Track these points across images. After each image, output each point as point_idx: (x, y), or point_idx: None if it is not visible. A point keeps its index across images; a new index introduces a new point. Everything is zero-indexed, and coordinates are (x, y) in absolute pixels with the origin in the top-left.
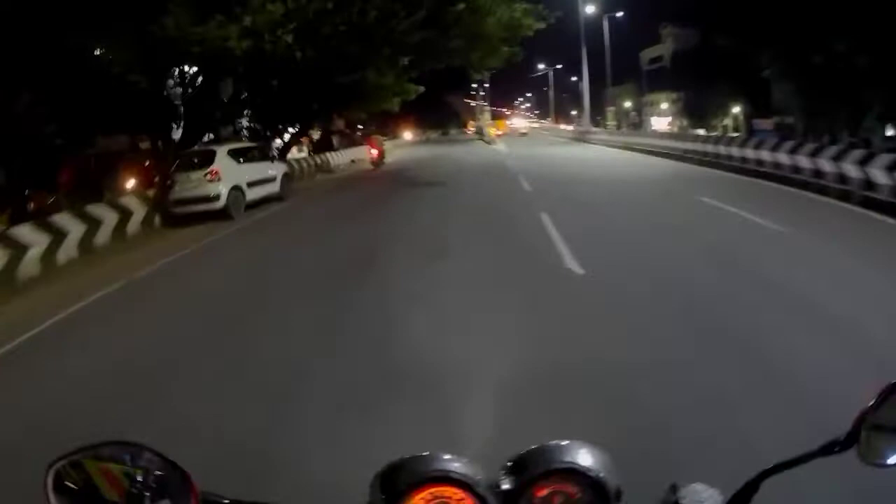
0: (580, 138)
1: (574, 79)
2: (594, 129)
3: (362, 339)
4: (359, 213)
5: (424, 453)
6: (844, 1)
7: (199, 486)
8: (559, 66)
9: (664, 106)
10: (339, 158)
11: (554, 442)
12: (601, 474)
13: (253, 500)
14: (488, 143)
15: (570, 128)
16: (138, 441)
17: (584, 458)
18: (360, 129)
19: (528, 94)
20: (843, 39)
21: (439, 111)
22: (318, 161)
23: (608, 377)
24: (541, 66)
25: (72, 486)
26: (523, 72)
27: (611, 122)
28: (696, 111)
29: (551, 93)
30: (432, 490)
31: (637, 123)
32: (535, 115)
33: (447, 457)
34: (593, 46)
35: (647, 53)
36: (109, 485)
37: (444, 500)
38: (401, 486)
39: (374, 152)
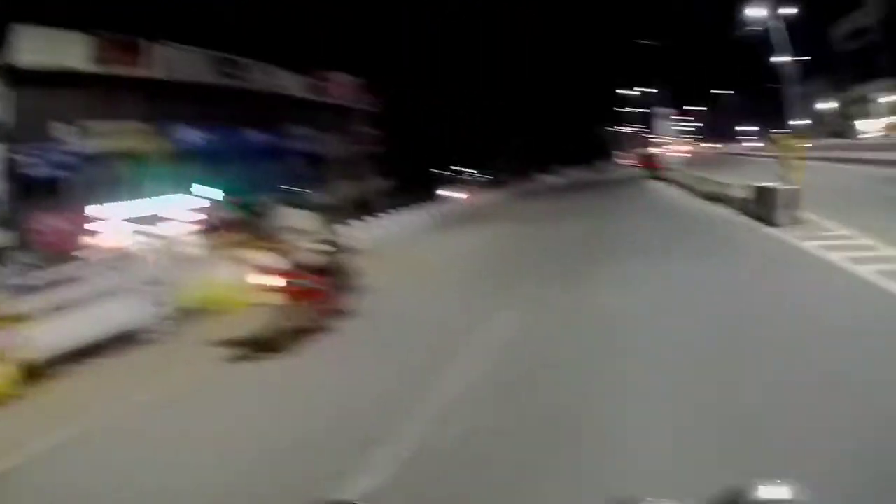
0: None
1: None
2: None
3: None
4: None
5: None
6: None
7: None
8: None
9: (885, 100)
10: None
11: (755, 483)
12: None
13: None
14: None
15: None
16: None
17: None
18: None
19: (691, 110)
20: None
21: (575, 143)
22: None
23: None
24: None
25: None
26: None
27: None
28: None
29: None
30: None
31: (839, 132)
32: (694, 138)
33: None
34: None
35: (843, 26)
36: None
37: None
38: None
39: None
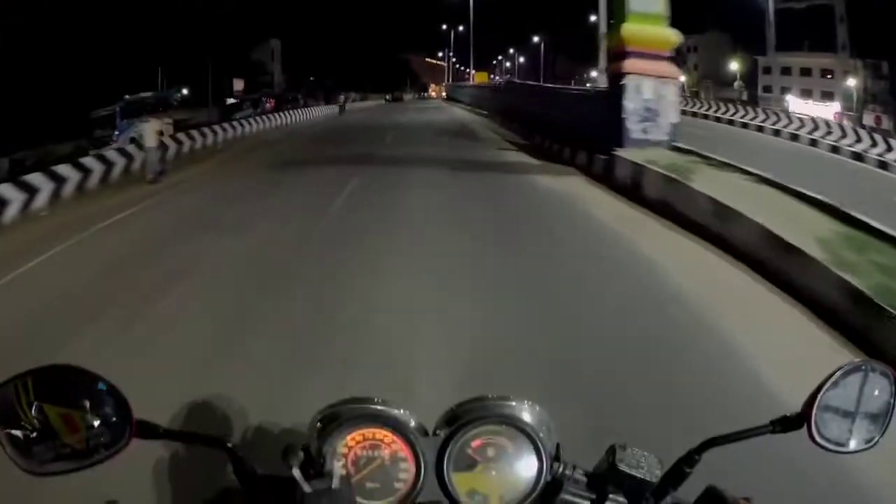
0: None
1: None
2: None
3: None
4: None
5: (363, 396)
6: None
7: (136, 413)
8: None
9: (851, 82)
10: None
11: (493, 395)
12: (535, 430)
13: (188, 429)
14: None
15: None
16: (76, 364)
17: (521, 413)
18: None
19: (512, 51)
20: None
21: (388, 72)
22: None
23: None
24: None
25: None
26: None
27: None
28: None
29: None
30: (364, 432)
31: (733, 99)
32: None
33: (385, 402)
34: None
35: None
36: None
37: (375, 442)
38: (336, 426)
39: None
